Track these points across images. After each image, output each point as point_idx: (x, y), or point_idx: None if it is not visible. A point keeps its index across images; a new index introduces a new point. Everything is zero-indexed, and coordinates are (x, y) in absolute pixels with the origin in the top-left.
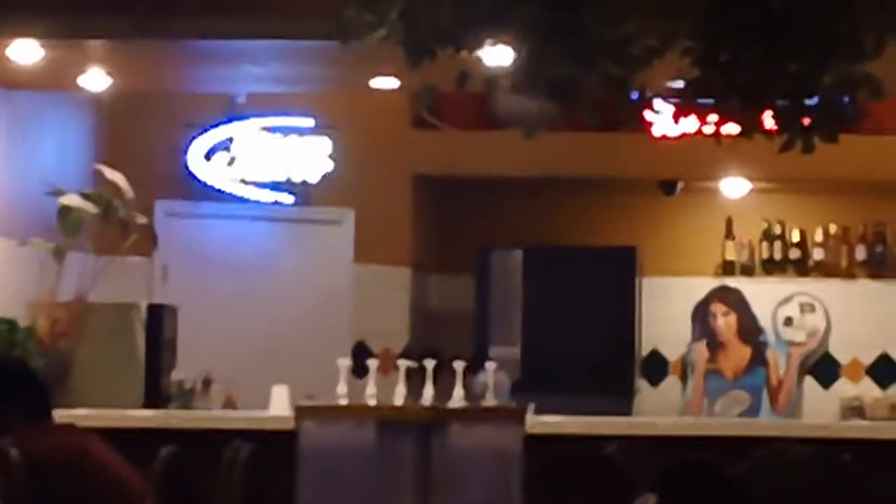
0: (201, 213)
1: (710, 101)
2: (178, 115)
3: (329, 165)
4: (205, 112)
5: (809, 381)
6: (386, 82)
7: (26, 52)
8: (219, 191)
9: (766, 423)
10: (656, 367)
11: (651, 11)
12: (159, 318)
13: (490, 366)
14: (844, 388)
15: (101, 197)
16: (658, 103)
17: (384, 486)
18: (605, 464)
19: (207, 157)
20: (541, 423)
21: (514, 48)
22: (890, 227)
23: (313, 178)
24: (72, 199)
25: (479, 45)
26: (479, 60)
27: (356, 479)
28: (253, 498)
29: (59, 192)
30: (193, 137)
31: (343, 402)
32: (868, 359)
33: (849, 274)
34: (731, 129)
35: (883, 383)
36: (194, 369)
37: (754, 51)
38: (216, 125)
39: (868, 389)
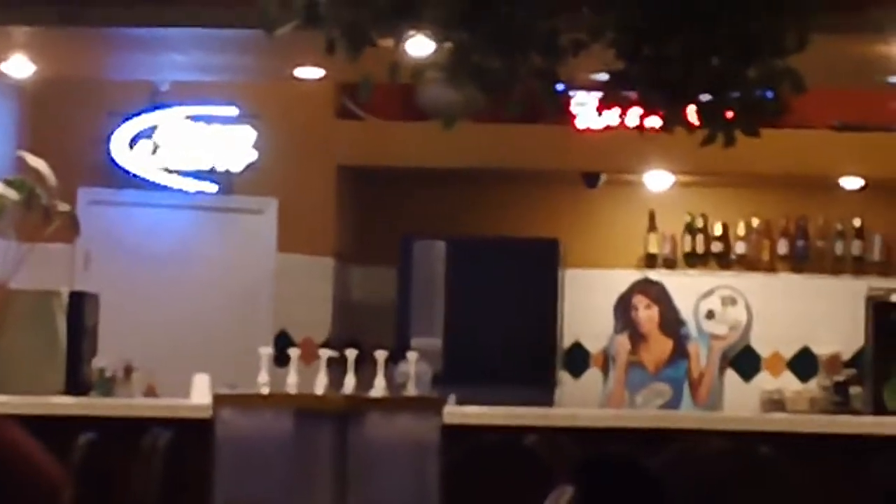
0: (124, 201)
1: (634, 93)
2: (101, 102)
3: (253, 155)
4: (128, 100)
5: (730, 374)
6: (309, 72)
7: None
8: (142, 179)
9: (687, 416)
10: (578, 360)
11: (580, 3)
12: (81, 306)
13: (411, 356)
14: (765, 381)
15: (23, 184)
16: (581, 96)
17: (301, 475)
18: (523, 455)
19: (131, 145)
20: (459, 413)
21: (441, 38)
22: (812, 222)
23: (237, 168)
24: None
25: (408, 34)
26: (405, 51)
27: (273, 467)
28: (171, 486)
29: None
30: (117, 125)
31: (264, 391)
32: (789, 352)
33: (770, 268)
34: (655, 121)
35: (803, 377)
36: (116, 357)
37: (678, 45)
38: (139, 113)
39: (788, 383)
